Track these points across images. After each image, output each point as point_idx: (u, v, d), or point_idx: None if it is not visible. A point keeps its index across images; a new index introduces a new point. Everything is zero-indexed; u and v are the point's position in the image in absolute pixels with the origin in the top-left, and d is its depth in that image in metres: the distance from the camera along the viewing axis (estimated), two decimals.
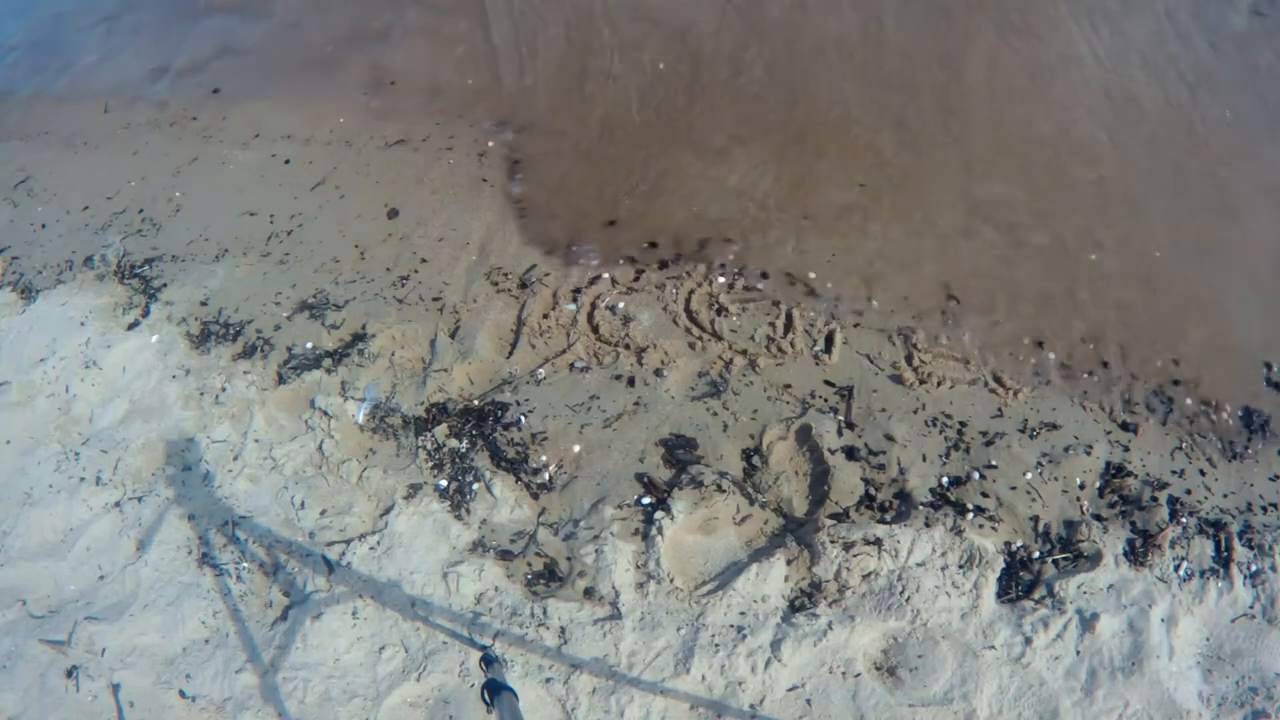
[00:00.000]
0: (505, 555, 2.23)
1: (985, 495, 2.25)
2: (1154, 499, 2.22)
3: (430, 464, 2.43)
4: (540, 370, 2.63)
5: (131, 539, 2.38)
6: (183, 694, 2.07)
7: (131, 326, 2.97)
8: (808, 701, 1.94)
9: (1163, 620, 2.00)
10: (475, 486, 2.37)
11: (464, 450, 2.45)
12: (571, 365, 2.64)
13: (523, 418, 2.51)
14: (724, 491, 2.26)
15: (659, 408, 2.50)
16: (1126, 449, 2.35)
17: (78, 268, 3.30)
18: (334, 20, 4.36)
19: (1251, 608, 2.05)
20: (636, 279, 2.87)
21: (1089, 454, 2.32)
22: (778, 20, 3.76)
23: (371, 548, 2.25)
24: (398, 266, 3.04)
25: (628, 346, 2.67)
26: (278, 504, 2.39)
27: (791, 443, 2.40)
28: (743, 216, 3.04)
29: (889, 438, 2.38)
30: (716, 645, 2.00)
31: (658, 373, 2.59)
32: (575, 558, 2.19)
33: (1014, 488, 2.26)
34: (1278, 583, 2.08)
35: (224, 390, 2.70)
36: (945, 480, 2.29)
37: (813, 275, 2.81)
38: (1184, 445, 2.36)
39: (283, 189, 3.46)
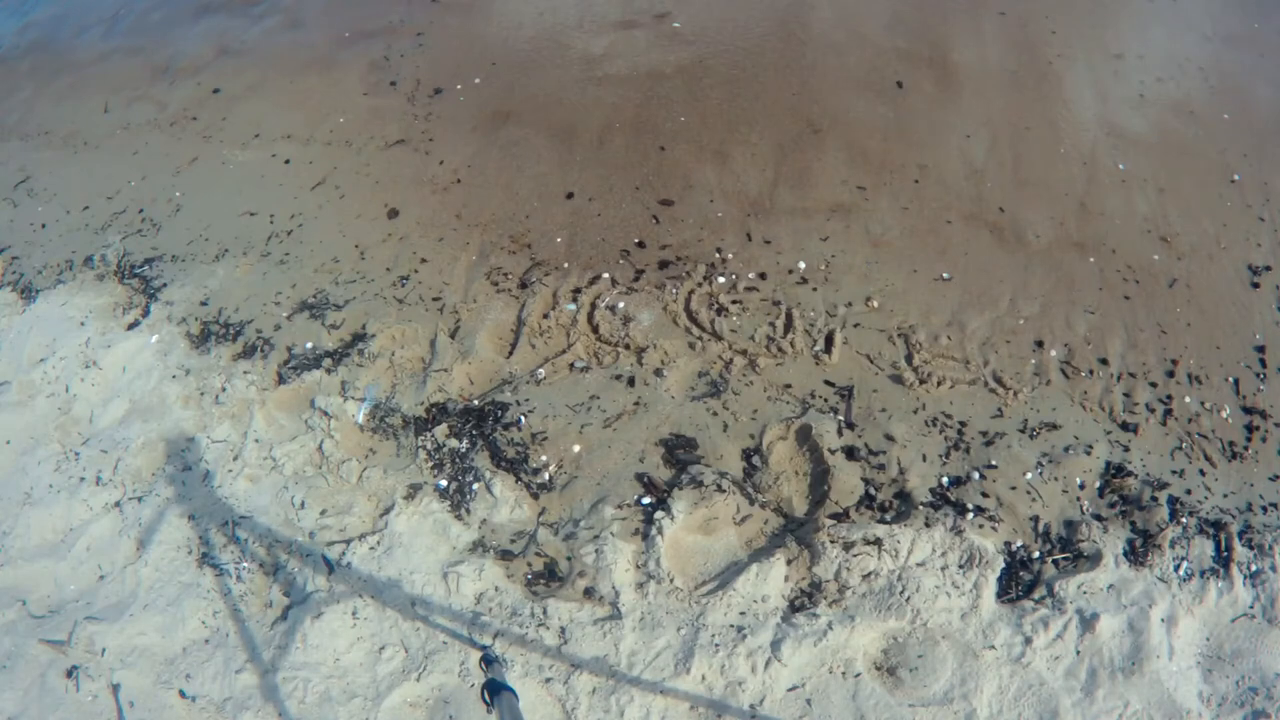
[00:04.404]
0: (505, 555, 2.23)
1: (985, 495, 2.24)
2: (1154, 499, 2.22)
3: (430, 464, 2.43)
4: (540, 370, 2.62)
5: (131, 539, 2.38)
6: (183, 694, 2.07)
7: (131, 326, 2.97)
8: (808, 701, 1.94)
9: (1163, 620, 2.00)
10: (475, 486, 2.37)
11: (464, 450, 2.45)
12: (571, 365, 2.64)
13: (523, 418, 2.51)
14: (724, 491, 2.26)
15: (659, 408, 2.50)
16: (1126, 449, 2.34)
17: (78, 268, 3.30)
18: (334, 20, 4.37)
19: (1251, 608, 2.04)
20: (636, 279, 2.87)
21: (1089, 454, 2.32)
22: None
23: (371, 548, 2.25)
24: (398, 266, 3.04)
25: (628, 346, 2.67)
26: (278, 504, 2.39)
27: (791, 443, 2.40)
28: None
29: (889, 438, 2.38)
30: (716, 645, 2.00)
31: (658, 373, 2.58)
32: (575, 558, 2.19)
33: (1014, 488, 2.26)
34: (1278, 583, 2.08)
35: (224, 390, 2.70)
36: (945, 480, 2.29)
37: None
38: (1184, 445, 2.36)
39: (283, 189, 3.46)
